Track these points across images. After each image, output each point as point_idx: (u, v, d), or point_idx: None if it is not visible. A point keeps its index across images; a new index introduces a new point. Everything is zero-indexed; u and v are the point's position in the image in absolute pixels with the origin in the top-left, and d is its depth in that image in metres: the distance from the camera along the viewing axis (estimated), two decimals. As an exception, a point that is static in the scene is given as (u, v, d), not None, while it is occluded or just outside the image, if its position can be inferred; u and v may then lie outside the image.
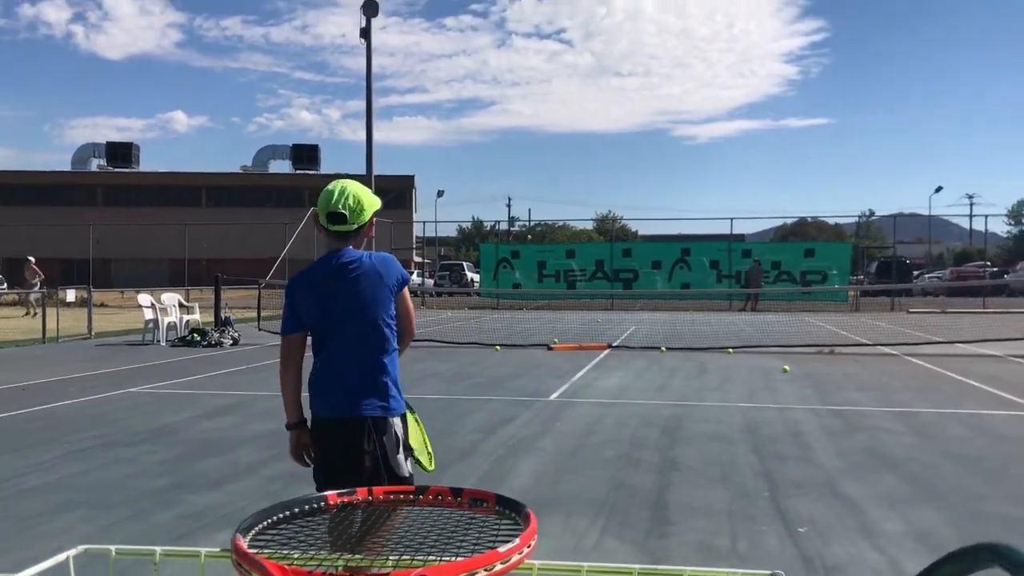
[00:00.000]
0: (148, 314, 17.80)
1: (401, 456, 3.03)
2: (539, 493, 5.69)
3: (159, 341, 17.31)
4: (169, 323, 18.01)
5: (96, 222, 41.70)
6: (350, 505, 1.43)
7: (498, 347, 15.79)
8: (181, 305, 19.33)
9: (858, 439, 7.52)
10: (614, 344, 16.55)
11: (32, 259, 28.13)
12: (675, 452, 6.98)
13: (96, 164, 66.80)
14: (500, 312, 30.10)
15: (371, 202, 3.13)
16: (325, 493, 1.46)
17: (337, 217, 2.98)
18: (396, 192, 60.47)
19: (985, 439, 7.57)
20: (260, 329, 19.65)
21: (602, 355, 14.77)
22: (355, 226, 3.07)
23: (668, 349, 15.48)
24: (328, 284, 3.05)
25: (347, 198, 3.02)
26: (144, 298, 18.41)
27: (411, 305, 3.29)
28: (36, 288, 26.89)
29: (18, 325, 21.95)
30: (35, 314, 24.92)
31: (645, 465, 6.54)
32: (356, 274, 3.04)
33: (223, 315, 18.03)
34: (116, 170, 65.09)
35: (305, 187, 62.35)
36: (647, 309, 30.75)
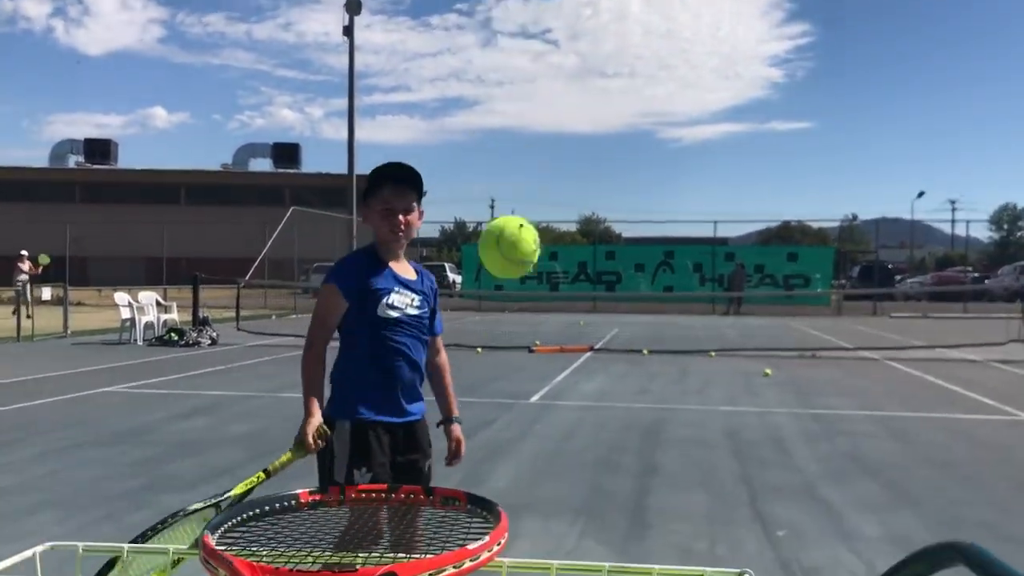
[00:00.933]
0: (125, 313, 17.62)
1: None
2: (518, 496, 5.65)
3: (136, 340, 17.14)
4: (146, 322, 17.84)
5: (73, 219, 41.30)
6: (321, 504, 1.39)
7: (479, 349, 15.73)
8: (158, 304, 19.15)
9: (838, 443, 7.52)
10: (596, 347, 16.54)
11: (25, 252, 27.19)
12: (655, 456, 6.96)
13: (74, 161, 66.29)
14: (482, 314, 30.05)
15: None
16: (296, 491, 1.42)
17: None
18: (379, 192, 60.16)
19: (963, 444, 7.60)
20: (239, 329, 19.50)
21: (584, 358, 14.74)
22: None
23: (651, 352, 15.47)
24: None
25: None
26: (121, 297, 18.22)
27: None
28: (25, 282, 26.25)
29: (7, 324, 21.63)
30: (29, 315, 24.38)
31: (625, 469, 6.50)
32: None
33: (201, 315, 17.88)
34: (94, 167, 64.57)
35: (286, 186, 62.13)
36: (630, 312, 30.78)
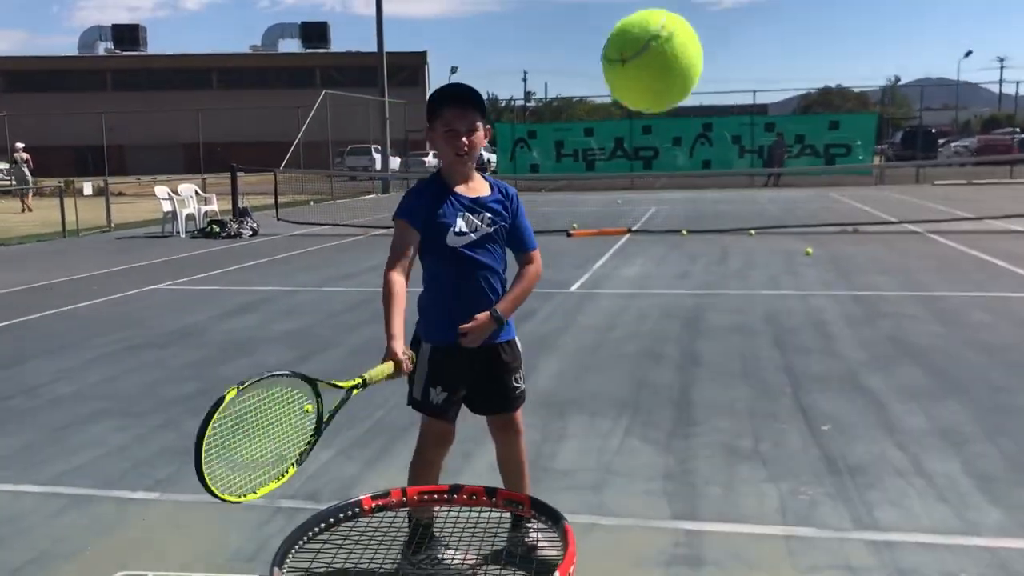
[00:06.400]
0: (166, 206, 17.78)
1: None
2: (563, 392, 5.73)
3: (178, 233, 17.35)
4: (187, 214, 18.01)
5: (106, 108, 41.21)
6: (385, 508, 1.40)
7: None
8: (198, 195, 19.28)
9: (881, 327, 7.48)
10: (634, 228, 16.43)
11: (21, 145, 27.18)
12: (697, 346, 6.98)
13: (103, 48, 65.71)
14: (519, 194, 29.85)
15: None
16: (359, 498, 1.43)
17: None
18: (408, 70, 59.32)
19: (1010, 325, 7.51)
20: (279, 219, 19.62)
21: (623, 240, 14.68)
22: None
23: (689, 233, 15.35)
24: None
25: None
26: (161, 190, 18.35)
27: None
28: (28, 178, 26.46)
29: (22, 220, 21.98)
30: (30, 209, 24.70)
31: (667, 361, 6.55)
32: None
33: (241, 205, 17.98)
34: (124, 53, 64.00)
35: (316, 66, 61.26)
36: (668, 188, 30.41)
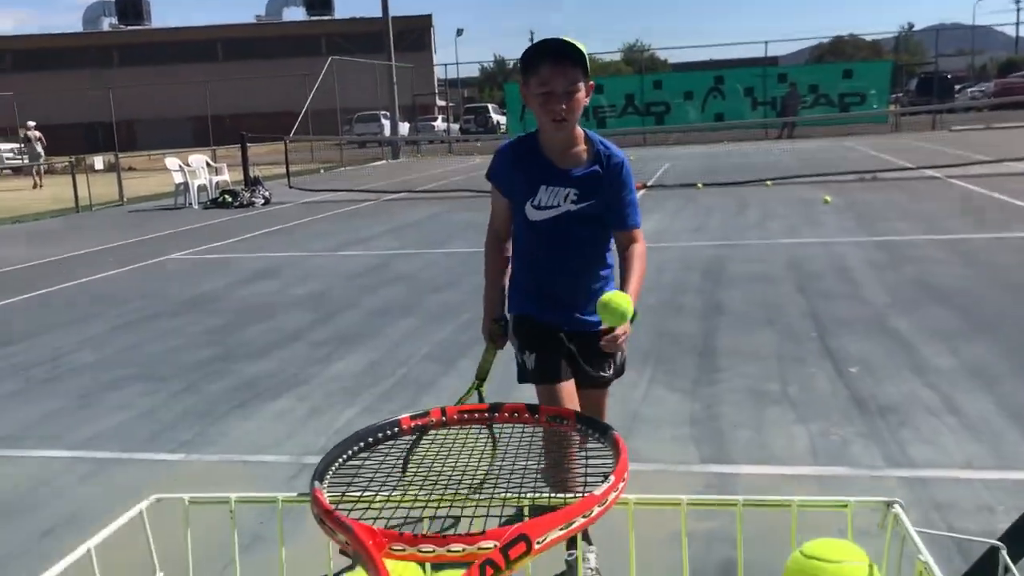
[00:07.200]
0: (177, 177, 17.75)
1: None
2: (584, 345, 5.67)
3: (191, 204, 17.33)
4: (199, 185, 17.98)
5: (114, 84, 41.10)
6: (424, 428, 1.36)
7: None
8: (209, 166, 19.23)
9: (905, 271, 7.39)
10: (649, 184, 16.29)
11: (33, 123, 27.44)
12: (718, 295, 6.91)
13: (107, 23, 65.47)
14: (529, 154, 29.64)
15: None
16: (398, 417, 1.39)
17: None
18: (414, 34, 58.84)
19: (1036, 265, 7.40)
20: (291, 187, 19.56)
21: (638, 196, 14.54)
22: None
23: (705, 185, 15.20)
24: None
25: None
26: (172, 161, 18.31)
27: None
28: (40, 155, 26.72)
29: (35, 196, 22.02)
30: (41, 185, 24.92)
31: (689, 311, 6.48)
32: None
33: (252, 174, 17.93)
34: (128, 28, 63.75)
35: (322, 34, 60.82)
36: (681, 143, 30.14)
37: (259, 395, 5.02)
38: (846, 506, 1.20)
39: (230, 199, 16.84)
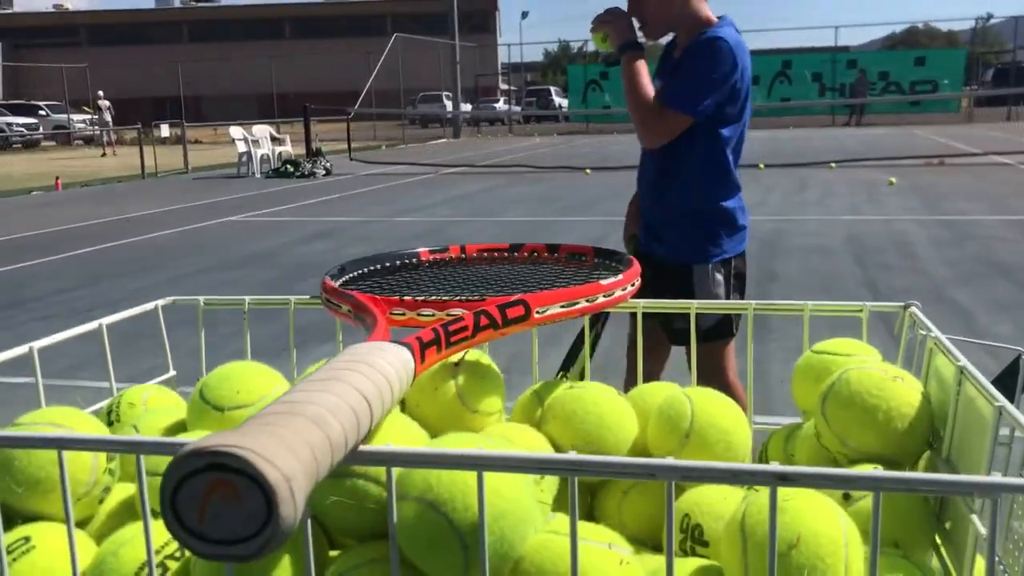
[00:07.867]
0: (241, 147, 18.02)
1: None
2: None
3: (254, 173, 17.59)
4: (262, 155, 18.23)
5: (183, 59, 41.90)
6: (442, 262, 1.36)
7: (588, 170, 15.52)
8: (272, 137, 19.49)
9: (968, 248, 7.19)
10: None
11: (102, 93, 28.36)
12: (774, 265, 6.81)
13: (179, 0, 66.71)
14: (590, 136, 29.53)
15: None
16: (418, 249, 1.40)
17: None
18: (479, 16, 58.87)
19: (1109, 245, 7.14)
20: (352, 159, 19.74)
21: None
22: None
23: (766, 166, 14.96)
24: None
25: None
26: (236, 131, 18.59)
27: None
28: (108, 123, 27.64)
29: (103, 164, 22.56)
30: (112, 152, 25.72)
31: (742, 277, 6.39)
32: None
33: (314, 146, 18.13)
34: (199, 4, 64.91)
35: (388, 14, 61.19)
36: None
37: (306, 341, 5.08)
38: (861, 311, 1.18)
39: (292, 169, 17.06)
